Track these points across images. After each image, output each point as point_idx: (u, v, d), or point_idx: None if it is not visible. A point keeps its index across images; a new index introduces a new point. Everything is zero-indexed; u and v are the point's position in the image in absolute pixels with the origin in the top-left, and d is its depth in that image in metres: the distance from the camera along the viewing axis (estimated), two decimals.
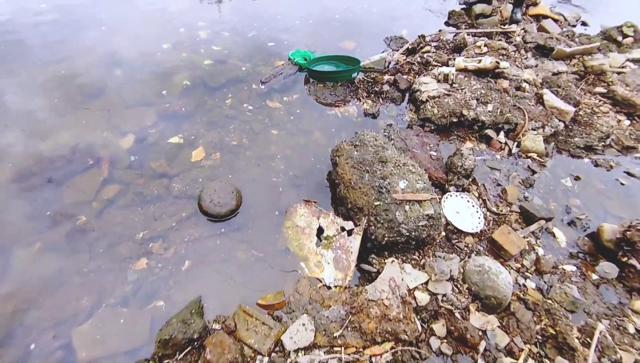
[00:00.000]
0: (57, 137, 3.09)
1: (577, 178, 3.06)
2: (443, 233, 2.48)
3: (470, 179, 2.87)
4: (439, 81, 3.58)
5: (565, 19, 5.19)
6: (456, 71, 3.64)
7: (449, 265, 2.23)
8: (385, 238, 2.25)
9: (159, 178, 2.84)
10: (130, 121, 3.32)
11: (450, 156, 2.90)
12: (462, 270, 2.25)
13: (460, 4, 5.50)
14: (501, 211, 2.73)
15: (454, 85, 3.53)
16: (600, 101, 3.69)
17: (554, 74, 3.90)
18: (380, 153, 2.54)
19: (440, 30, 4.55)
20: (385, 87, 3.70)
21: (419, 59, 4.05)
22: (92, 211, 2.60)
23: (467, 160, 2.79)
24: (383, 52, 4.17)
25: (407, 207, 2.25)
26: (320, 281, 2.22)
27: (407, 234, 2.23)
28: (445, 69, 3.56)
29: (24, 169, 2.79)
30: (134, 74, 3.81)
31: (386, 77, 3.84)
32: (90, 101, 3.48)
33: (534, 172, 3.09)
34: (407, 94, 3.70)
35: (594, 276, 2.37)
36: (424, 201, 2.28)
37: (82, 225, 2.51)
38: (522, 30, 4.62)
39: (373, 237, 2.29)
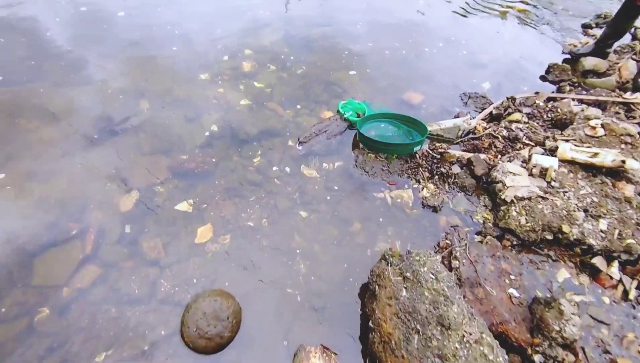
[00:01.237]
0: (49, 185, 2.64)
1: None
2: None
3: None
4: (532, 175, 2.64)
5: None
6: (559, 160, 2.68)
7: None
8: None
9: (148, 266, 2.26)
10: (139, 172, 2.80)
11: (540, 303, 2.00)
12: None
13: (564, 52, 4.42)
14: None
15: (553, 183, 2.58)
16: None
17: None
18: (442, 307, 1.72)
19: (537, 93, 3.56)
20: (455, 169, 2.84)
21: (504, 131, 3.12)
22: (59, 301, 2.07)
23: (569, 324, 1.88)
24: (457, 115, 3.29)
25: None
26: None
27: None
28: (542, 160, 2.62)
29: None
30: (159, 112, 3.32)
31: (458, 151, 2.97)
32: (104, 137, 3.03)
33: None
34: (483, 181, 2.80)
35: None
36: None
37: (40, 323, 1.98)
38: None
39: None
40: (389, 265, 2.00)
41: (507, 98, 3.46)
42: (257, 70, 3.87)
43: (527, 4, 5.43)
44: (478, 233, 2.52)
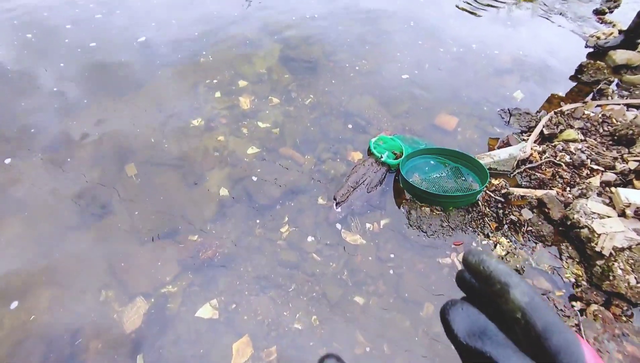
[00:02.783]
0: (27, 309, 2.00)
1: None
2: None
3: None
4: (622, 215, 2.21)
5: None
6: None
7: None
8: None
9: None
10: (141, 269, 2.20)
11: None
12: None
13: (588, 46, 4.03)
14: None
15: None
16: None
17: None
18: None
19: (584, 103, 3.14)
20: (526, 214, 2.37)
21: (566, 156, 2.68)
22: None
23: None
24: (506, 141, 2.82)
25: None
26: None
27: None
28: (635, 196, 2.19)
29: None
30: (151, 177, 2.68)
31: (521, 189, 2.51)
32: (87, 222, 2.39)
33: None
34: (561, 225, 2.35)
35: None
36: None
37: None
38: None
39: None
40: None
41: (555, 113, 3.02)
42: (257, 106, 3.27)
43: None
44: (575, 299, 2.07)
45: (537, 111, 3.23)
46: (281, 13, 4.42)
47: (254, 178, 2.70)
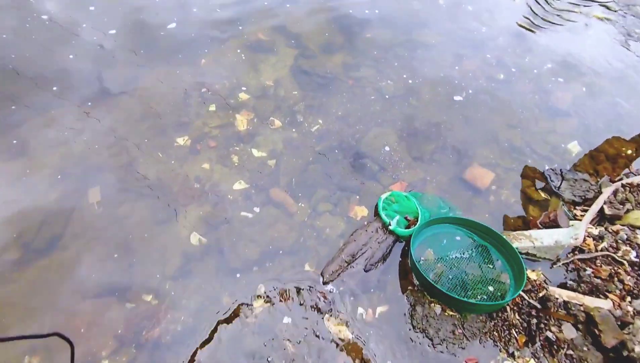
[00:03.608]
0: None
1: None
2: None
3: None
4: None
5: None
6: None
7: None
8: None
9: None
10: (75, 335, 1.82)
11: None
12: None
13: None
14: None
15: None
16: None
17: None
18: None
19: None
20: (569, 332, 1.81)
21: (632, 254, 2.06)
22: None
23: None
24: (553, 220, 2.21)
25: None
26: None
27: None
28: None
29: None
30: (113, 208, 2.28)
31: (565, 292, 1.93)
32: (27, 259, 2.02)
33: None
34: (613, 354, 1.78)
35: None
36: None
37: None
38: None
39: None
40: None
41: (623, 186, 2.37)
42: (256, 128, 2.77)
43: (607, 7, 4.16)
44: None
45: (595, 175, 2.58)
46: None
47: (235, 225, 2.24)
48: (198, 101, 2.89)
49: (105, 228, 2.19)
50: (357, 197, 2.39)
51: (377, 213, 2.20)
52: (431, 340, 1.81)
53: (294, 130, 2.78)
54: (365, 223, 2.19)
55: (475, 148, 2.73)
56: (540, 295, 1.92)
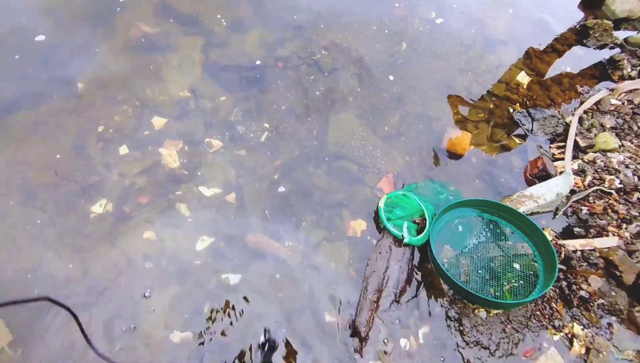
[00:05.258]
0: None
1: None
2: None
3: None
4: None
5: None
6: None
7: None
8: None
9: None
10: None
11: None
12: None
13: None
14: None
15: None
16: None
17: None
18: None
19: (611, 90, 2.52)
20: (595, 283, 1.83)
21: (617, 181, 2.12)
22: None
23: None
24: (541, 167, 2.15)
25: None
26: None
27: None
28: None
29: None
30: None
31: (579, 242, 1.94)
32: None
33: None
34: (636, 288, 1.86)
35: None
36: None
37: None
38: None
39: None
40: None
41: (585, 112, 2.39)
42: (192, 158, 2.16)
43: None
44: None
45: (553, 104, 2.57)
46: None
47: (219, 297, 1.76)
48: (98, 146, 2.11)
49: None
50: (348, 210, 2.04)
51: (377, 221, 1.91)
52: (481, 344, 1.68)
53: (240, 147, 2.22)
54: (375, 242, 1.88)
55: (437, 108, 2.50)
56: (562, 257, 1.88)
